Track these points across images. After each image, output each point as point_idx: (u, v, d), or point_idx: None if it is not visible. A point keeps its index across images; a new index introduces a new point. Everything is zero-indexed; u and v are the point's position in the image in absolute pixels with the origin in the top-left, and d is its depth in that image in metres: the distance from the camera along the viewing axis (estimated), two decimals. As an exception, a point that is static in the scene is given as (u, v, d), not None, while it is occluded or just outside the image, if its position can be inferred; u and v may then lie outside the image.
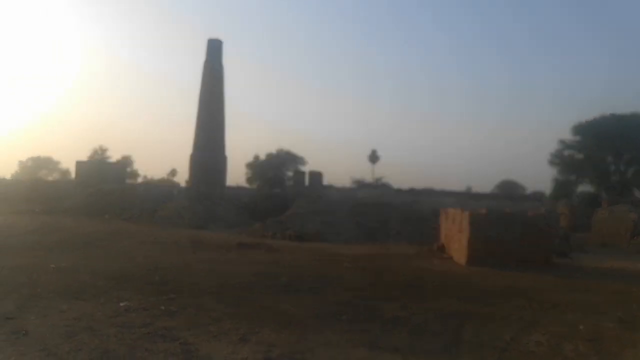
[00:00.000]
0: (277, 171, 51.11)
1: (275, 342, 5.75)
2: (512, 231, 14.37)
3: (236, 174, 77.17)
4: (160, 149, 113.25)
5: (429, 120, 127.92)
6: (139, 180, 61.74)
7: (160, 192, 36.11)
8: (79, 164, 41.17)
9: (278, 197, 34.44)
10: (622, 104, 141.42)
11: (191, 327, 6.27)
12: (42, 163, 57.03)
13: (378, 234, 22.83)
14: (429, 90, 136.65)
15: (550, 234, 15.20)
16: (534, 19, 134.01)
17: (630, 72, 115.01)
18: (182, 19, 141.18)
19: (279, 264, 13.24)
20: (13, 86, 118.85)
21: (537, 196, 41.69)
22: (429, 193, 31.07)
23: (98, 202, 32.33)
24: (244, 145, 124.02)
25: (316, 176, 41.99)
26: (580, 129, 38.83)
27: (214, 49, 34.41)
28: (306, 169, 46.26)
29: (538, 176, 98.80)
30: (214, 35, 36.75)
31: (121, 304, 7.41)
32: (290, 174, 48.54)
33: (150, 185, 44.65)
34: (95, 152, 53.78)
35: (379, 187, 44.43)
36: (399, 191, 31.49)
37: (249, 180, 51.46)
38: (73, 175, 43.77)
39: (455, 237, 15.43)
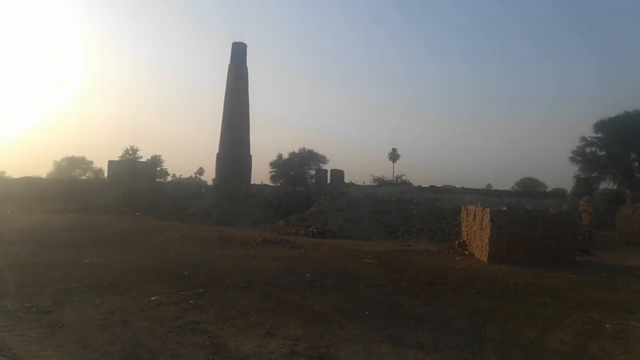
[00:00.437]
0: (299, 169, 51.35)
1: (301, 337, 5.89)
2: (533, 228, 14.21)
3: (260, 172, 78.56)
4: (188, 148, 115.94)
5: (444, 121, 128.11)
6: (169, 178, 63.11)
7: (188, 190, 36.90)
8: (111, 164, 42.27)
9: (301, 194, 34.69)
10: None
11: (219, 321, 6.47)
12: (76, 163, 58.42)
13: (399, 231, 22.80)
14: (444, 91, 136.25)
15: (573, 231, 14.95)
16: (572, 18, 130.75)
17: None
18: (209, 22, 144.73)
19: (303, 260, 13.45)
20: (46, 87, 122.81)
21: (559, 193, 40.68)
22: (449, 190, 30.68)
23: (130, 200, 33.31)
24: (268, 144, 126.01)
25: (338, 174, 42.09)
26: (603, 126, 37.79)
27: (239, 51, 35.09)
28: (328, 167, 46.37)
29: (558, 174, 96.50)
30: (239, 39, 37.44)
31: (152, 298, 7.68)
32: (312, 172, 48.63)
33: (179, 184, 45.54)
34: (126, 151, 54.91)
35: (400, 184, 44.07)
36: (420, 189, 31.17)
37: (272, 178, 51.87)
38: (106, 174, 44.92)
39: (477, 234, 15.33)
